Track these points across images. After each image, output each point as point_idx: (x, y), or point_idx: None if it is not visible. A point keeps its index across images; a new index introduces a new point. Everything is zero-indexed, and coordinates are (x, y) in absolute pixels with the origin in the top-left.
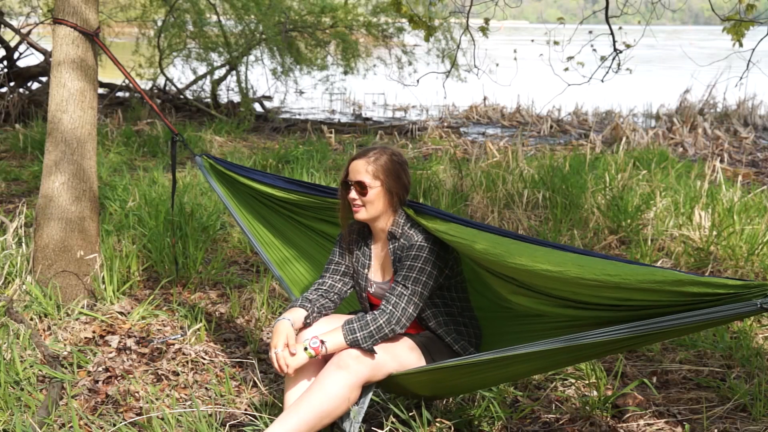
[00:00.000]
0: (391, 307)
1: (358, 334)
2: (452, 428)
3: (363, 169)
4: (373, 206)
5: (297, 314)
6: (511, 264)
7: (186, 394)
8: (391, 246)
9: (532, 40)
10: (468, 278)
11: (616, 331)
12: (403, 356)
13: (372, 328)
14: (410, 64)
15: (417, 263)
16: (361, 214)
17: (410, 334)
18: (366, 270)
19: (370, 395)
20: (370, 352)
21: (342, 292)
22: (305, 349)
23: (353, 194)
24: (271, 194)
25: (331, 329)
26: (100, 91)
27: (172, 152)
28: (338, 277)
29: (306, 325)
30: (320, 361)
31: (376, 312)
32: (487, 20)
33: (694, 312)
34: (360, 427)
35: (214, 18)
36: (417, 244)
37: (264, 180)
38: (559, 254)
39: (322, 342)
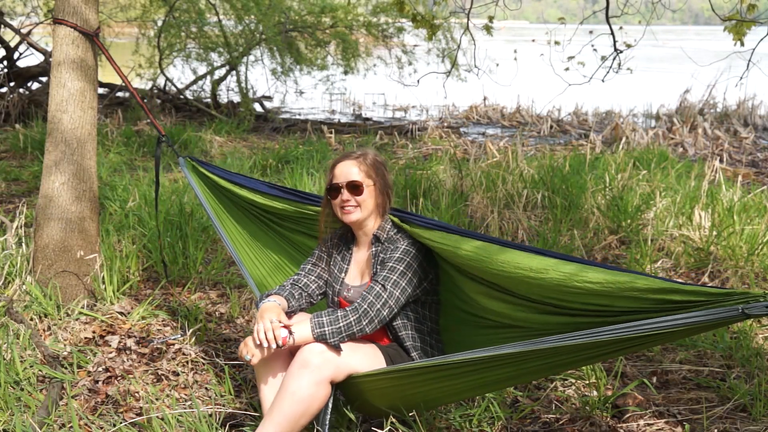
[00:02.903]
0: (365, 306)
1: (326, 329)
2: (452, 428)
3: (354, 169)
4: (365, 206)
5: (281, 302)
6: (493, 269)
7: (186, 394)
8: (374, 249)
9: (533, 40)
10: (442, 299)
11: (594, 334)
12: (367, 358)
13: (342, 324)
14: (410, 64)
15: (399, 266)
16: (355, 215)
17: (378, 344)
18: (343, 274)
19: (331, 398)
20: (335, 347)
21: (314, 295)
22: None
23: (345, 196)
24: (253, 200)
25: (298, 321)
26: (100, 91)
27: (157, 153)
28: (313, 277)
29: None
30: (288, 355)
31: (348, 308)
32: (491, 18)
33: (677, 316)
34: (329, 426)
35: (214, 18)
36: (402, 248)
37: (246, 184)
38: (541, 260)
39: (290, 332)
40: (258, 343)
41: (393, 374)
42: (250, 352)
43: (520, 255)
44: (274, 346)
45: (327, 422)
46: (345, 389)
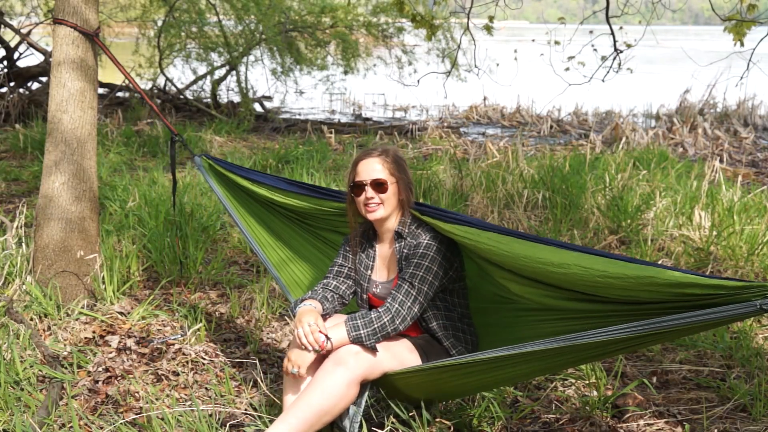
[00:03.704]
0: (397, 305)
1: (361, 331)
2: (452, 428)
3: (378, 167)
4: (389, 203)
5: (316, 305)
6: (516, 262)
7: (186, 394)
8: (397, 245)
9: (533, 40)
10: (472, 285)
11: (614, 331)
12: (400, 355)
13: (376, 325)
14: (410, 64)
15: (424, 262)
16: (379, 212)
17: (409, 336)
18: (369, 271)
19: (366, 394)
20: (370, 348)
21: (346, 296)
22: None
23: (370, 193)
24: (272, 199)
25: (333, 325)
26: (100, 91)
27: (172, 152)
28: (342, 279)
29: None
30: (318, 358)
31: (380, 309)
32: (491, 18)
33: (694, 312)
34: (359, 426)
35: (214, 18)
36: (425, 242)
37: (264, 181)
38: (562, 254)
39: (327, 337)
40: (302, 347)
41: (426, 371)
42: (294, 364)
43: (541, 250)
44: (316, 348)
45: (358, 421)
46: (380, 384)
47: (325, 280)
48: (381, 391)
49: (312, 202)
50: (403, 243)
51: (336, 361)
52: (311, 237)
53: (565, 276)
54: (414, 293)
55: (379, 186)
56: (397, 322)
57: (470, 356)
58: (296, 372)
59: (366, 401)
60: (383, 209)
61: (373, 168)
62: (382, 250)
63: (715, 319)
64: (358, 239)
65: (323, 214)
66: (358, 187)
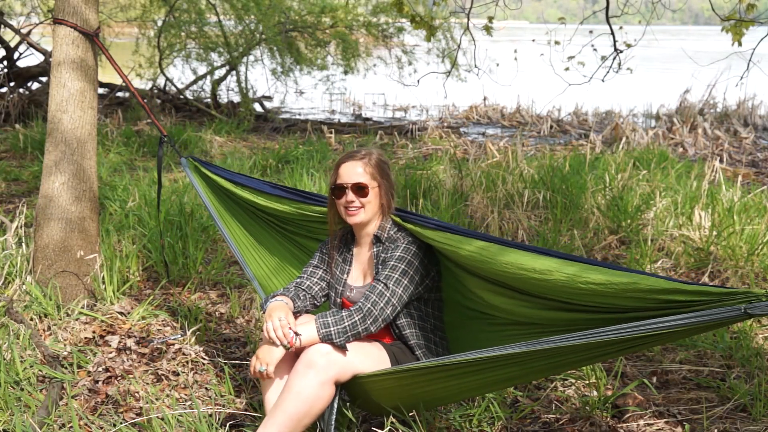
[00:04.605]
0: (369, 305)
1: (331, 329)
2: (452, 428)
3: (360, 171)
4: (370, 207)
5: (288, 301)
6: (496, 269)
7: (186, 394)
8: (375, 249)
9: (533, 40)
10: (444, 297)
11: (597, 334)
12: (372, 358)
13: (347, 324)
14: (410, 64)
15: (401, 264)
16: (359, 217)
17: (382, 343)
18: (345, 275)
19: (337, 398)
20: (341, 348)
21: (318, 297)
22: None
23: (350, 197)
24: (254, 202)
25: (303, 323)
26: (100, 91)
27: (159, 153)
28: (315, 280)
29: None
30: (293, 356)
31: (352, 308)
32: (491, 18)
33: (679, 316)
34: (334, 427)
35: (214, 18)
36: (403, 246)
37: (248, 184)
38: (545, 260)
39: (297, 334)
40: (271, 343)
41: (398, 374)
42: (263, 362)
43: (523, 256)
44: (285, 343)
45: (332, 422)
46: (349, 388)
47: (298, 280)
48: (346, 396)
49: (294, 206)
50: (381, 247)
51: (306, 363)
52: (289, 244)
53: (547, 283)
54: (387, 295)
55: (360, 190)
56: (368, 322)
57: (443, 359)
58: (264, 370)
59: (338, 402)
60: (363, 213)
61: (354, 171)
62: (360, 255)
63: (700, 323)
64: (336, 242)
65: (304, 219)
66: (339, 190)
